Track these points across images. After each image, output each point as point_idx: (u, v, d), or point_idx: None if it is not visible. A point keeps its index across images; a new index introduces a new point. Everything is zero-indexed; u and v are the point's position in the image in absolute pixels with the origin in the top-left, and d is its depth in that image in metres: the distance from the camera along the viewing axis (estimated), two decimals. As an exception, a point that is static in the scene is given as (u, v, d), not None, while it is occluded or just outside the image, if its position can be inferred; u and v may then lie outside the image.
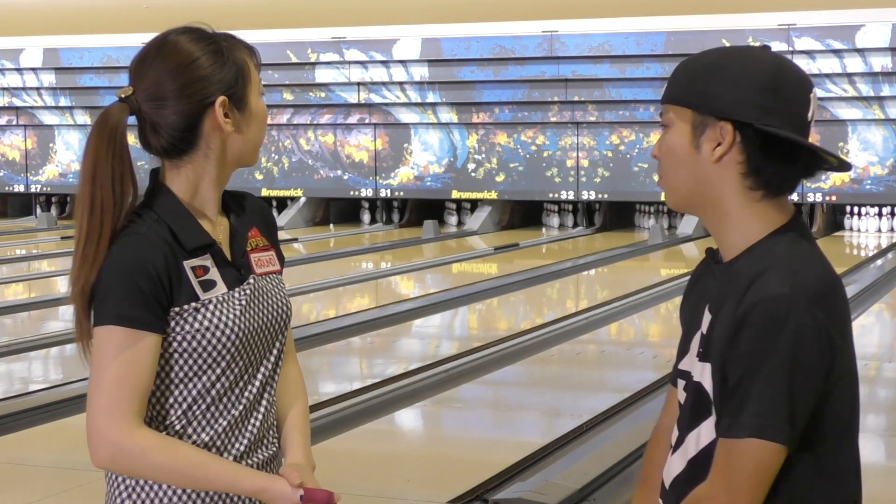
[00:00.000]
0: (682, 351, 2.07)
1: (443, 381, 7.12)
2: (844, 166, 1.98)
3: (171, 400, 2.15)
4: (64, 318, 9.98)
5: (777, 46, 15.95)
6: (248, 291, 2.18)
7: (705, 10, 16.17)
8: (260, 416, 2.20)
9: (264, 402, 2.21)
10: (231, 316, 2.14)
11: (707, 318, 1.98)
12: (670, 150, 1.99)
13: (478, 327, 9.93)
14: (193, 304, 2.12)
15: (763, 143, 1.91)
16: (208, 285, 2.15)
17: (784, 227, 1.96)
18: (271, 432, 2.23)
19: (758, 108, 1.91)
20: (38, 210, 20.28)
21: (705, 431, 1.96)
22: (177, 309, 2.11)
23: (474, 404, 6.94)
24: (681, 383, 2.07)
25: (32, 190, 20.25)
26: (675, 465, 2.01)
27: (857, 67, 15.95)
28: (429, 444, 6.16)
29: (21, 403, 6.54)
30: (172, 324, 2.12)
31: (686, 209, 2.03)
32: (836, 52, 15.94)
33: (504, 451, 5.61)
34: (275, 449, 2.23)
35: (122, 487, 2.18)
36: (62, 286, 12.19)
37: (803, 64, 15.94)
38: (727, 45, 15.83)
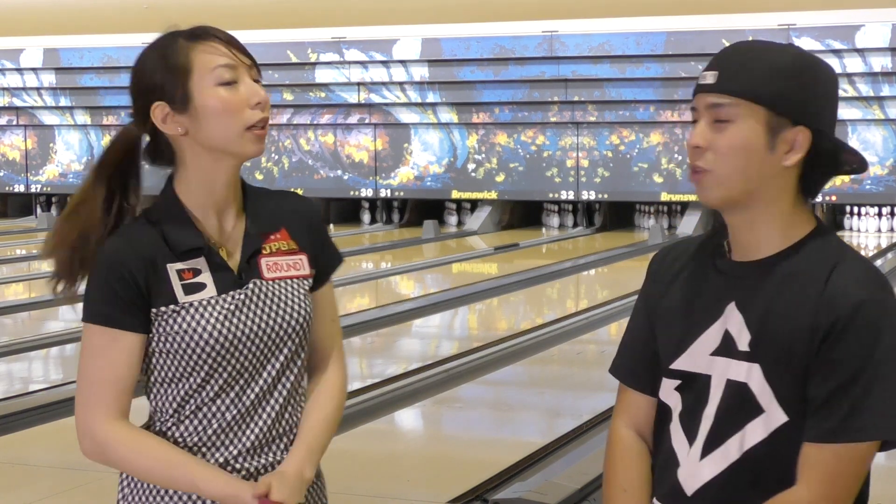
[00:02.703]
0: (675, 350, 2.03)
1: (443, 381, 7.12)
2: (864, 166, 2.01)
3: (162, 398, 2.17)
4: (64, 318, 9.98)
5: (777, 46, 15.96)
6: (240, 296, 2.14)
7: (705, 10, 16.17)
8: (261, 423, 2.16)
9: (269, 409, 2.16)
10: (212, 320, 2.12)
11: (736, 316, 1.96)
12: (737, 146, 1.93)
13: (478, 327, 9.93)
14: (172, 307, 2.12)
15: (823, 151, 1.95)
16: (194, 288, 2.13)
17: (821, 227, 2.00)
18: (283, 440, 2.18)
19: (830, 119, 1.96)
20: (38, 210, 20.28)
21: (751, 432, 1.93)
22: (154, 310, 2.12)
23: (474, 404, 6.94)
24: (669, 383, 2.03)
25: (32, 190, 20.25)
26: (705, 470, 1.96)
27: (856, 67, 15.94)
28: (429, 444, 6.16)
29: (21, 403, 6.54)
30: (155, 324, 2.13)
31: (726, 205, 1.97)
32: (836, 52, 15.94)
33: (504, 451, 5.61)
34: (283, 455, 2.19)
35: (121, 482, 2.23)
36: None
37: (803, 64, 15.95)
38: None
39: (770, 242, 1.98)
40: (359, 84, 18.03)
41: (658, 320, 2.07)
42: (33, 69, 19.53)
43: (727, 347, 1.96)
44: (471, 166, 18.02)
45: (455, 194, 18.19)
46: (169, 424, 2.16)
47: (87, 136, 19.87)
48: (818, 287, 1.91)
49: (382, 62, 17.80)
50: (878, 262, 13.47)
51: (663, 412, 2.06)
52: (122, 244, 2.15)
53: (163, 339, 2.13)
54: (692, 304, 2.02)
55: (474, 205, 18.34)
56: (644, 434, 2.11)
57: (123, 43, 18.70)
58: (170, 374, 2.15)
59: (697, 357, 1.99)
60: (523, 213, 18.41)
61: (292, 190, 2.34)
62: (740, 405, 1.94)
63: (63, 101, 19.68)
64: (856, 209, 16.91)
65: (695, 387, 1.99)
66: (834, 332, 1.87)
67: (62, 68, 19.35)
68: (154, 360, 2.15)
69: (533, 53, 17.14)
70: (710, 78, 1.95)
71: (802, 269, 1.94)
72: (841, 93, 17.77)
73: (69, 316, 10.13)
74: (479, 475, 5.10)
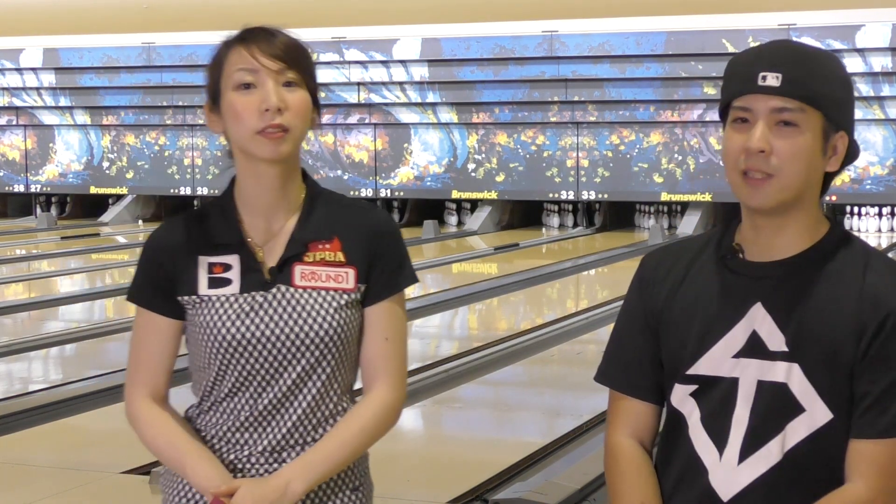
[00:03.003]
0: (691, 355, 1.99)
1: (443, 381, 7.11)
2: (858, 153, 2.03)
3: (195, 386, 2.24)
4: (64, 318, 9.98)
5: (777, 46, 15.94)
6: (259, 298, 2.13)
7: (705, 10, 16.16)
8: (277, 429, 2.15)
9: (286, 417, 2.14)
10: (224, 317, 2.13)
11: (764, 317, 1.94)
12: (802, 151, 1.93)
13: (478, 327, 9.93)
14: (194, 298, 2.15)
15: (850, 154, 2.00)
16: (219, 283, 2.15)
17: (835, 225, 2.02)
18: (303, 449, 2.16)
19: (854, 123, 2.01)
20: (38, 210, 20.26)
21: (793, 432, 1.92)
22: (178, 298, 2.17)
23: (474, 404, 6.94)
24: (684, 389, 1.99)
25: (32, 190, 20.24)
26: (744, 474, 1.93)
27: (857, 67, 15.94)
28: (429, 444, 6.16)
29: (21, 403, 6.53)
30: (186, 313, 2.19)
31: (779, 209, 1.95)
32: (836, 52, 15.93)
33: (504, 451, 5.61)
34: None
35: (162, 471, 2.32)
36: (62, 286, 12.18)
37: (803, 64, 15.94)
38: (727, 44, 15.84)
39: (795, 243, 1.97)
40: (359, 84, 18.02)
41: (665, 326, 2.03)
42: (33, 69, 19.52)
43: (755, 349, 1.94)
44: (471, 166, 18.02)
45: (455, 194, 18.18)
46: (196, 412, 2.23)
47: (87, 136, 19.86)
48: (856, 285, 1.92)
49: (382, 62, 17.80)
50: (878, 262, 13.47)
51: (674, 419, 2.02)
52: (163, 231, 2.22)
53: (188, 328, 2.19)
54: (707, 307, 1.99)
55: (474, 205, 18.34)
56: (645, 443, 2.08)
57: (123, 43, 18.70)
58: (195, 364, 2.21)
59: (718, 360, 1.96)
60: (523, 213, 18.41)
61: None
62: (779, 406, 1.92)
63: (63, 101, 19.67)
64: (856, 209, 16.90)
65: (717, 391, 1.96)
66: (884, 329, 1.89)
67: (62, 68, 19.35)
68: (187, 347, 2.23)
69: (533, 53, 17.13)
70: (772, 80, 1.91)
71: (835, 268, 1.95)
72: (841, 93, 17.71)
73: (69, 316, 10.13)
74: (479, 475, 5.10)
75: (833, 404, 1.91)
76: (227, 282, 2.15)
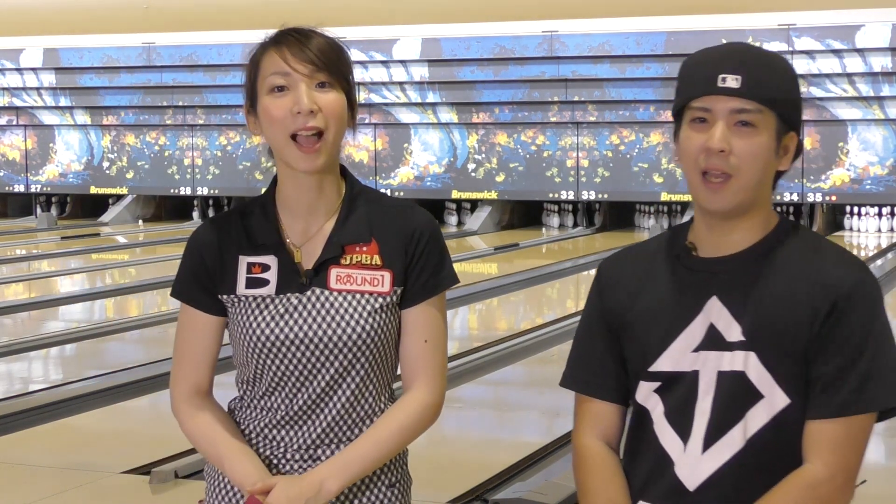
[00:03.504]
0: (653, 353, 2.04)
1: (443, 381, 7.11)
2: (801, 149, 2.10)
3: (238, 380, 2.26)
4: (64, 318, 9.98)
5: (777, 46, 15.94)
6: (295, 300, 2.14)
7: (705, 10, 16.17)
8: (313, 429, 2.17)
9: (322, 417, 2.16)
10: (259, 318, 2.15)
11: (720, 309, 2.00)
12: (760, 152, 1.98)
13: (478, 327, 9.93)
14: (233, 296, 2.18)
15: (798, 152, 2.06)
16: (257, 283, 2.17)
17: (782, 216, 2.08)
18: (338, 448, 2.17)
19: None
20: (38, 210, 20.27)
21: (753, 419, 1.97)
22: (221, 296, 2.20)
23: (474, 404, 6.94)
24: (648, 386, 2.05)
25: (32, 190, 20.24)
26: (708, 463, 1.98)
27: (857, 67, 15.94)
28: (429, 444, 6.16)
29: (21, 403, 6.53)
30: (228, 311, 2.22)
31: (739, 210, 2.01)
32: (836, 52, 15.94)
33: (504, 451, 5.61)
34: None
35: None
36: (62, 286, 12.18)
37: (803, 64, 15.95)
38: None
39: (747, 237, 2.03)
40: (359, 84, 17.98)
41: (627, 329, 2.08)
42: (33, 69, 19.53)
43: (714, 341, 2.00)
44: (471, 166, 18.03)
45: (455, 194, 18.18)
46: (238, 405, 2.25)
47: (87, 136, 19.86)
48: (806, 272, 1.99)
49: (382, 62, 17.80)
50: (879, 262, 13.47)
51: (640, 415, 2.07)
52: (205, 229, 2.23)
53: (230, 325, 2.22)
54: (666, 306, 2.05)
55: (474, 205, 18.34)
56: (612, 443, 2.13)
57: (123, 43, 18.70)
58: (237, 359, 2.24)
59: (679, 356, 2.02)
60: (523, 213, 18.41)
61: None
62: (738, 394, 1.98)
63: (63, 101, 19.68)
64: (856, 209, 16.90)
65: (679, 385, 2.01)
66: (835, 311, 1.95)
67: (62, 68, 19.35)
68: (231, 342, 2.25)
69: (533, 53, 17.14)
70: (732, 82, 1.96)
71: (785, 257, 2.01)
72: (841, 93, 17.71)
73: (69, 316, 10.13)
74: (479, 475, 5.10)
75: (790, 389, 1.97)
76: (265, 282, 2.17)
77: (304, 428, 2.17)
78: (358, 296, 2.15)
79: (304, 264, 2.17)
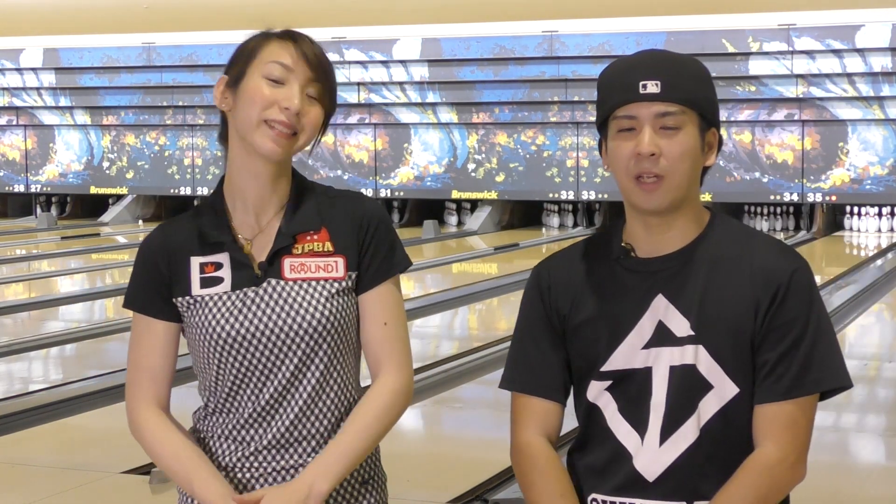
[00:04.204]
0: (603, 354, 2.09)
1: (443, 381, 7.12)
2: (721, 143, 2.19)
3: (201, 386, 2.24)
4: (64, 318, 9.98)
5: (777, 46, 15.96)
6: (251, 294, 2.15)
7: (705, 10, 16.17)
8: (279, 423, 2.16)
9: (287, 410, 2.16)
10: (218, 315, 2.15)
11: (667, 307, 2.07)
12: (687, 151, 2.07)
13: (478, 327, 9.93)
14: (187, 298, 2.17)
15: (719, 147, 2.15)
16: (211, 282, 2.17)
17: (714, 211, 2.18)
18: (310, 442, 2.17)
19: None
20: (38, 210, 20.27)
21: (705, 409, 2.06)
22: (174, 300, 2.18)
23: (474, 404, 6.94)
24: (599, 384, 2.10)
25: (32, 190, 20.25)
26: (666, 455, 2.06)
27: (857, 67, 15.94)
28: (429, 444, 6.16)
29: (21, 403, 6.53)
30: (182, 316, 2.20)
31: (673, 207, 2.10)
32: (836, 52, 15.93)
33: (504, 451, 5.57)
34: (311, 457, 2.17)
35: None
36: (62, 286, 12.18)
37: (803, 64, 15.95)
38: (728, 44, 15.85)
39: (683, 235, 2.11)
40: (359, 84, 18.03)
41: (573, 331, 2.14)
42: (33, 69, 19.53)
43: (664, 337, 2.07)
44: (471, 166, 18.03)
45: (455, 194, 18.19)
46: (203, 415, 2.23)
47: (87, 136, 19.86)
48: (745, 264, 2.07)
49: (382, 62, 17.80)
50: (878, 262, 13.48)
51: (591, 413, 2.14)
52: (156, 235, 2.24)
53: (186, 330, 2.20)
54: (611, 307, 2.11)
55: (474, 205, 18.34)
56: (553, 441, 2.20)
57: (123, 43, 18.70)
58: (197, 366, 2.22)
59: (629, 354, 2.08)
60: (523, 213, 18.41)
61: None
62: (690, 387, 2.05)
63: (63, 101, 19.68)
64: (856, 209, 16.90)
65: (632, 382, 2.08)
66: (776, 300, 2.04)
67: (62, 68, 19.35)
68: (189, 350, 2.23)
69: (533, 53, 17.14)
70: (653, 87, 2.04)
71: (723, 252, 2.10)
72: (841, 93, 17.69)
73: (69, 316, 10.13)
74: (479, 475, 5.10)
75: (738, 378, 2.05)
76: (219, 280, 2.17)
77: (272, 423, 2.16)
78: (314, 283, 2.16)
79: (256, 257, 2.18)
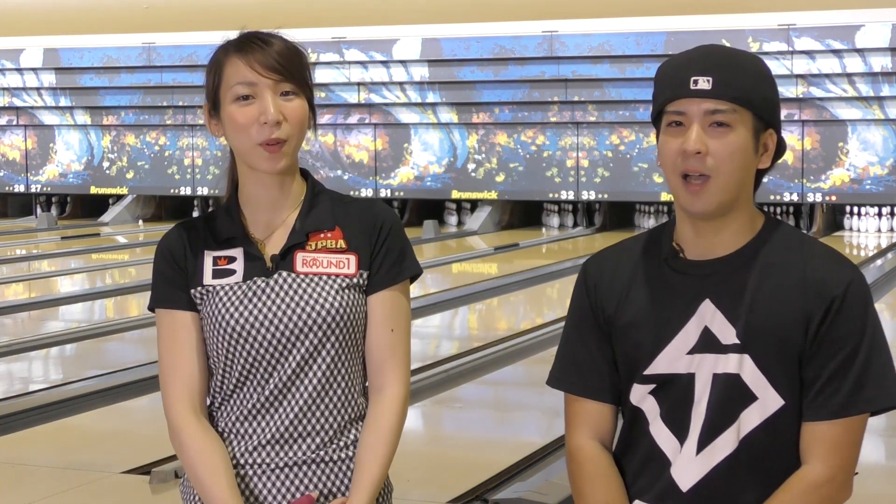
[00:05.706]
0: (647, 356, 2.04)
1: (443, 381, 7.12)
2: (784, 148, 2.11)
3: (213, 378, 2.24)
4: (64, 318, 9.98)
5: (777, 46, 15.96)
6: (261, 284, 2.17)
7: (705, 10, 16.17)
8: (283, 416, 2.17)
9: (292, 403, 2.17)
10: (228, 304, 2.17)
11: (714, 312, 2.00)
12: (736, 151, 1.99)
13: (478, 327, 9.93)
14: (200, 289, 2.20)
15: (779, 150, 2.06)
16: (224, 274, 2.20)
17: (769, 216, 2.09)
18: (315, 438, 2.17)
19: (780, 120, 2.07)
20: (38, 210, 20.27)
21: (747, 420, 1.99)
22: (191, 291, 2.21)
23: (474, 404, 6.94)
24: (643, 388, 2.05)
25: (32, 190, 20.25)
26: (702, 464, 2.00)
27: (857, 67, 15.94)
28: (429, 444, 6.16)
29: (21, 403, 6.53)
30: (197, 306, 2.22)
31: (721, 210, 2.02)
32: (836, 52, 15.94)
33: (504, 451, 5.61)
34: (315, 454, 2.18)
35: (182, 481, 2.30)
36: (62, 286, 12.18)
37: (803, 64, 15.95)
38: (727, 44, 15.82)
39: (735, 239, 2.04)
40: (359, 84, 18.03)
41: (619, 331, 2.08)
42: (33, 69, 19.53)
43: (709, 344, 2.00)
44: (471, 166, 18.03)
45: (455, 194, 18.18)
46: (216, 404, 2.24)
47: (87, 136, 19.86)
48: (798, 273, 2.00)
49: (382, 62, 17.80)
50: (878, 262, 13.48)
51: (635, 415, 2.08)
52: (173, 232, 2.27)
53: (202, 319, 2.21)
54: (658, 309, 2.05)
55: (474, 205, 18.34)
56: (606, 444, 2.13)
57: (123, 43, 18.70)
58: (212, 356, 2.22)
59: (674, 359, 2.02)
60: (523, 213, 18.41)
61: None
62: (733, 396, 1.99)
63: (63, 101, 19.68)
64: (856, 209, 16.90)
65: (675, 387, 2.02)
66: (830, 313, 1.96)
67: (62, 68, 19.35)
68: (205, 341, 2.24)
69: (533, 53, 17.14)
70: (704, 83, 1.99)
71: (775, 259, 2.02)
72: (841, 93, 17.68)
73: (69, 316, 10.13)
74: (479, 475, 5.10)
75: (784, 391, 1.98)
76: (232, 272, 2.20)
77: (275, 417, 2.17)
78: (325, 277, 2.18)
79: (269, 252, 2.21)
